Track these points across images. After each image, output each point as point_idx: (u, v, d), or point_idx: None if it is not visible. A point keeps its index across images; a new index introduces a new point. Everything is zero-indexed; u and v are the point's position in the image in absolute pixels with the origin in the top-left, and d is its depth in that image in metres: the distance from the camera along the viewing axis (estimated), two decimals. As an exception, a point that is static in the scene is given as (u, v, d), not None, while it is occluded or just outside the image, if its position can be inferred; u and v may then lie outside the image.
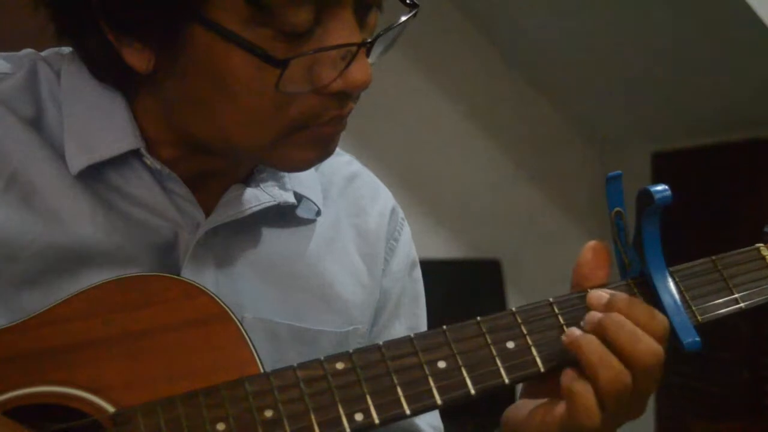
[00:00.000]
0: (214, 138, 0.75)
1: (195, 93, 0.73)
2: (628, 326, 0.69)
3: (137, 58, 0.73)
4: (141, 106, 0.78)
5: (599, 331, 0.69)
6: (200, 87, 0.72)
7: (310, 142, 0.75)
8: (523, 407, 0.75)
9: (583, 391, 0.68)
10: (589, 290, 0.74)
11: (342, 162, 0.95)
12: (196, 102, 0.74)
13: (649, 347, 0.69)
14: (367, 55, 0.72)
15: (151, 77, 0.74)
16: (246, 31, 0.68)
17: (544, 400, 0.73)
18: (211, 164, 0.80)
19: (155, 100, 0.77)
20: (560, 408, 0.70)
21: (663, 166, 3.22)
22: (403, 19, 0.74)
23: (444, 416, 0.96)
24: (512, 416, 0.76)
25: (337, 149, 0.95)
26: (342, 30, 0.70)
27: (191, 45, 0.70)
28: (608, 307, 0.71)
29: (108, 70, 0.77)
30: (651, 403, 3.12)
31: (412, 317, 0.95)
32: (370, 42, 0.72)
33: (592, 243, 0.75)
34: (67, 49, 0.83)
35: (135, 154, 0.77)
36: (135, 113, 0.78)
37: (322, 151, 0.78)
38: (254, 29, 0.68)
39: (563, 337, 0.71)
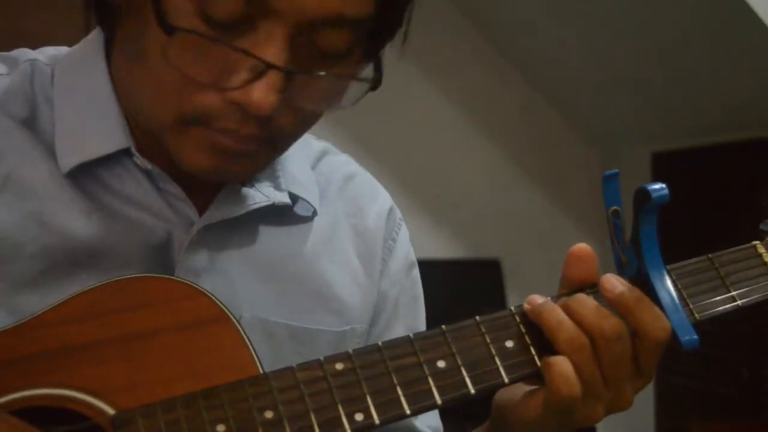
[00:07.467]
0: (136, 111, 0.75)
1: (132, 60, 0.73)
2: (590, 303, 0.70)
3: None
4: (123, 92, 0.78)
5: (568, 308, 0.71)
6: (133, 53, 0.72)
7: (205, 145, 0.73)
8: (513, 391, 0.75)
9: (558, 360, 0.69)
10: (586, 289, 0.74)
11: (340, 161, 0.94)
12: (134, 71, 0.73)
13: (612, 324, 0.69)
14: (286, 82, 0.68)
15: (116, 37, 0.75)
16: None
17: (534, 388, 0.73)
18: None
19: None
20: (542, 390, 0.71)
21: (663, 166, 3.22)
22: (357, 80, 0.73)
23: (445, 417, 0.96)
24: (500, 399, 0.77)
25: (334, 148, 0.95)
26: (264, 40, 0.67)
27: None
28: (618, 298, 0.71)
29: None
30: (651, 403, 3.13)
31: (410, 318, 0.95)
32: (279, 68, 0.67)
33: (574, 248, 0.75)
34: (63, 49, 0.83)
35: (127, 153, 0.77)
36: (127, 112, 0.78)
37: (217, 160, 0.74)
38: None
39: (525, 305, 0.72)
